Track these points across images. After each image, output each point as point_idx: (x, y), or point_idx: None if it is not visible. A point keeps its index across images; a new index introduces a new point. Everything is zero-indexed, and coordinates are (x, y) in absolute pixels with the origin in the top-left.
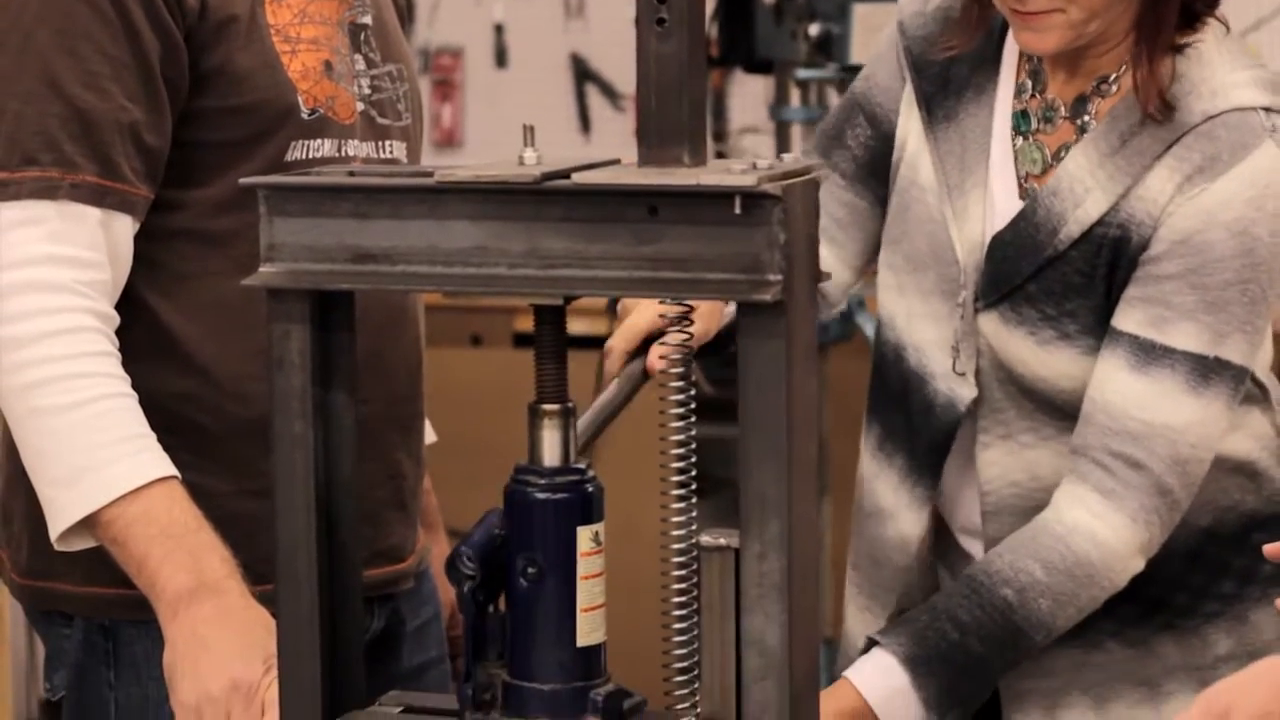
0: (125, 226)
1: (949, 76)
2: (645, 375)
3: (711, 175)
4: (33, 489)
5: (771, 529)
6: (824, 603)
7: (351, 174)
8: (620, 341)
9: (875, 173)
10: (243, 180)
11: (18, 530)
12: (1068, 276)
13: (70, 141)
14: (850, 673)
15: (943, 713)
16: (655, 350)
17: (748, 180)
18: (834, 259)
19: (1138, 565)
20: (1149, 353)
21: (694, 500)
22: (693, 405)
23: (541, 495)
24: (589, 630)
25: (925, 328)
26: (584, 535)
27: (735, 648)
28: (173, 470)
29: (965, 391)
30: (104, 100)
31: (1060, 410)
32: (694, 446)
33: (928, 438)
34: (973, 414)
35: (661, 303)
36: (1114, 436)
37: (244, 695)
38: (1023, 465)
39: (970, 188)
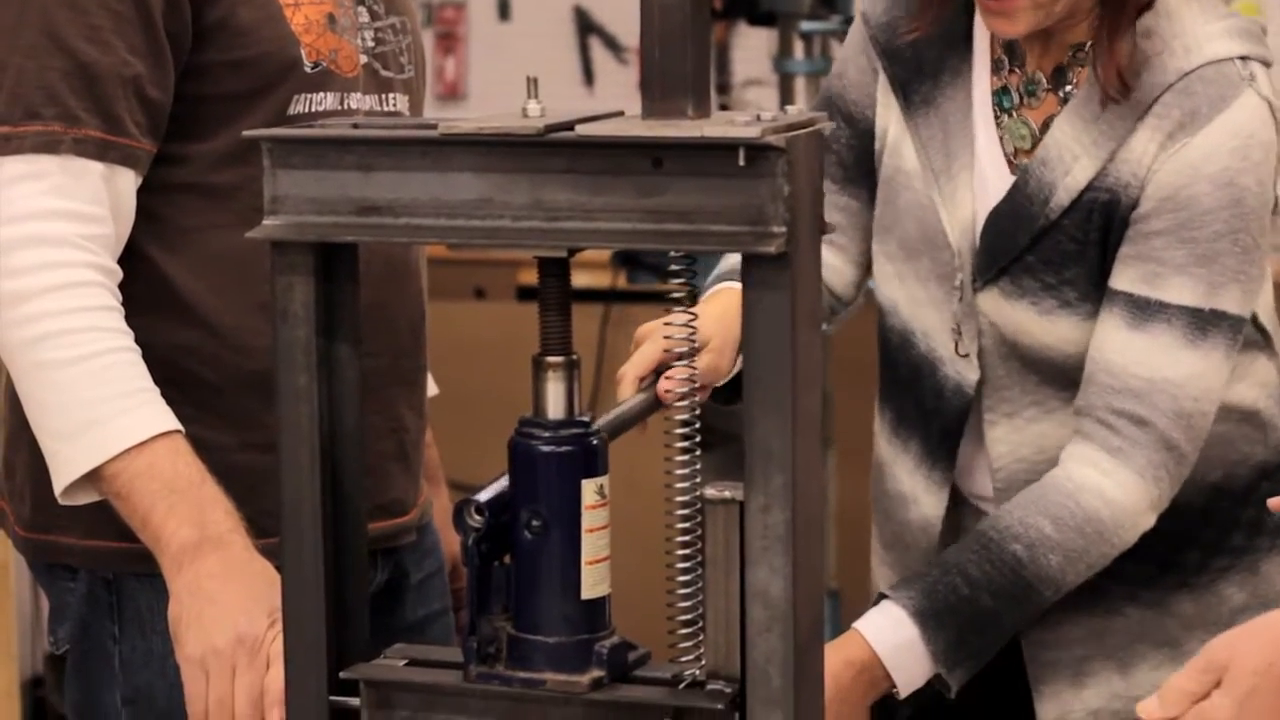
0: (128, 181)
1: (921, 60)
2: (658, 403)
3: (715, 127)
4: (35, 443)
5: (775, 482)
6: (828, 555)
7: (355, 126)
8: (632, 369)
9: (864, 171)
10: (246, 132)
11: (20, 484)
12: (1062, 245)
13: (73, 95)
14: (859, 624)
15: (951, 666)
16: (664, 381)
17: (752, 132)
18: (841, 262)
19: (1148, 521)
20: (1145, 309)
21: (698, 454)
22: (697, 358)
23: (546, 448)
24: (593, 583)
25: (928, 313)
26: (589, 488)
27: (740, 601)
28: (176, 424)
29: (970, 374)
30: (106, 54)
31: (1064, 380)
32: (698, 399)
33: (940, 423)
34: (979, 394)
35: (668, 324)
36: (1116, 395)
37: (249, 649)
38: (1029, 440)
39: (957, 171)
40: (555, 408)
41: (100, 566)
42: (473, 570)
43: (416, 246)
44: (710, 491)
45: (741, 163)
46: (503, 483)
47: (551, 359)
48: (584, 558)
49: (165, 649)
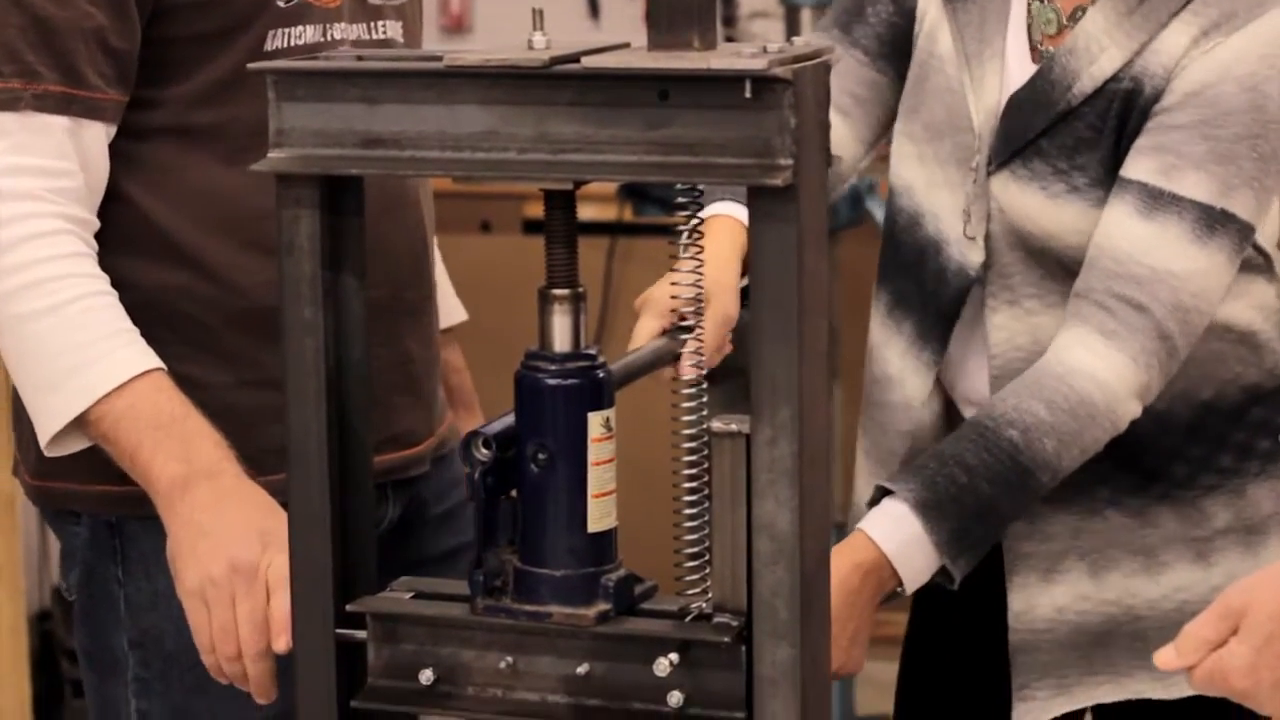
0: (96, 132)
1: None
2: (674, 358)
3: (722, 59)
4: None
5: (782, 414)
6: (834, 488)
7: (360, 58)
8: (646, 321)
9: (897, 49)
10: (250, 65)
11: (28, 432)
12: (1079, 131)
13: (31, 51)
14: (863, 525)
15: (954, 557)
16: (686, 358)
17: (758, 64)
18: (848, 135)
19: (1135, 409)
20: (1157, 200)
21: (704, 386)
22: (703, 290)
23: (552, 381)
24: (600, 516)
25: (942, 195)
26: (595, 421)
27: (746, 533)
28: (157, 362)
29: (975, 256)
30: (64, 8)
31: (1066, 270)
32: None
33: (937, 304)
34: (982, 280)
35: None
36: (1117, 280)
37: (245, 576)
38: (1028, 330)
39: (988, 57)
40: (561, 340)
41: (102, 511)
42: (479, 504)
43: (415, 178)
44: (717, 424)
45: (748, 95)
46: (509, 417)
47: (557, 292)
48: (590, 491)
49: (170, 590)
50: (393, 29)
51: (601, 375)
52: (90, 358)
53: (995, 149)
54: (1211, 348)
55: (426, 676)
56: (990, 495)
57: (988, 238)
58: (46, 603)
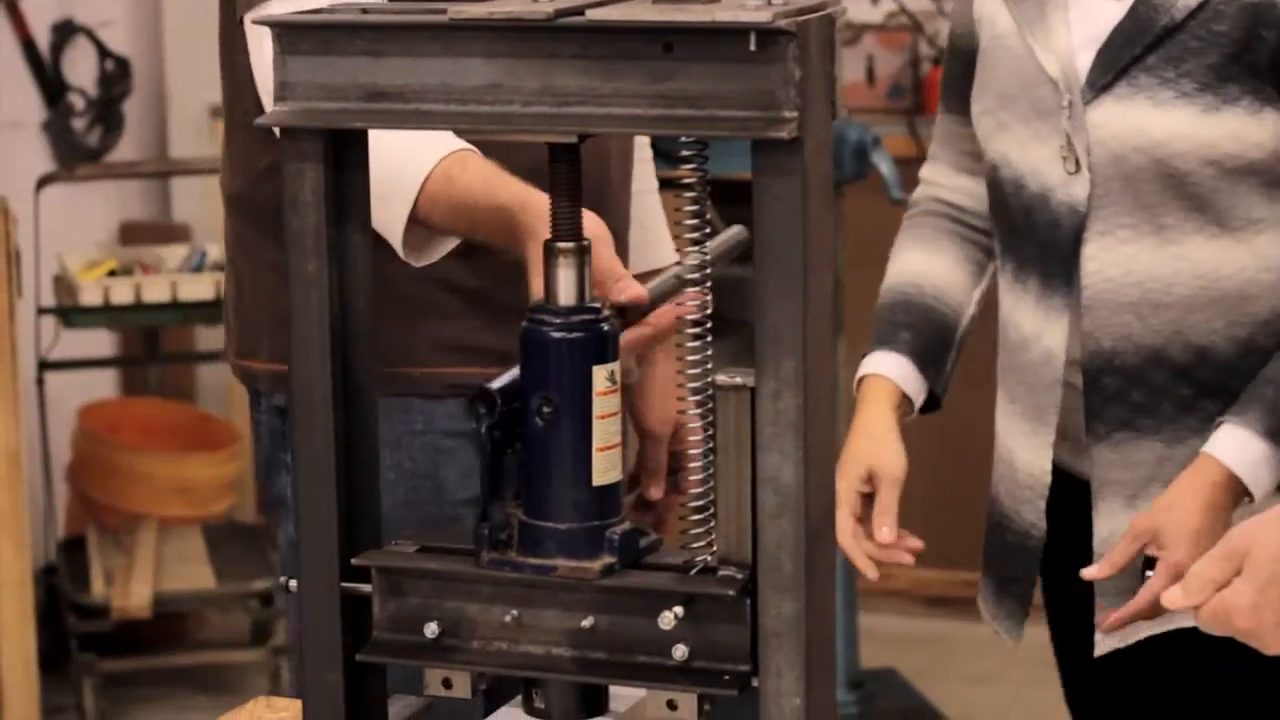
0: None
1: None
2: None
3: (726, 11)
4: (241, 274)
5: (787, 367)
6: (839, 441)
7: (364, 11)
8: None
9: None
10: (253, 18)
11: (232, 315)
12: (1185, 44)
13: None
14: (1208, 449)
15: None
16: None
17: (763, 16)
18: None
19: None
20: None
21: (709, 340)
22: (708, 244)
23: (556, 334)
24: (605, 469)
25: (1034, 149)
26: (599, 374)
27: (751, 487)
28: (460, 144)
29: (1080, 190)
30: None
31: (1163, 190)
32: (710, 286)
33: (1056, 251)
34: (1084, 213)
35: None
36: None
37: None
38: (1119, 261)
39: (1049, 11)
40: (566, 294)
41: (276, 390)
42: (484, 458)
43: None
44: (721, 378)
45: (752, 47)
46: (515, 371)
47: (562, 245)
48: (595, 444)
49: None
50: None
51: (606, 329)
52: (401, 160)
53: (1091, 79)
54: None
55: (431, 630)
56: None
57: (1089, 170)
58: (52, 557)
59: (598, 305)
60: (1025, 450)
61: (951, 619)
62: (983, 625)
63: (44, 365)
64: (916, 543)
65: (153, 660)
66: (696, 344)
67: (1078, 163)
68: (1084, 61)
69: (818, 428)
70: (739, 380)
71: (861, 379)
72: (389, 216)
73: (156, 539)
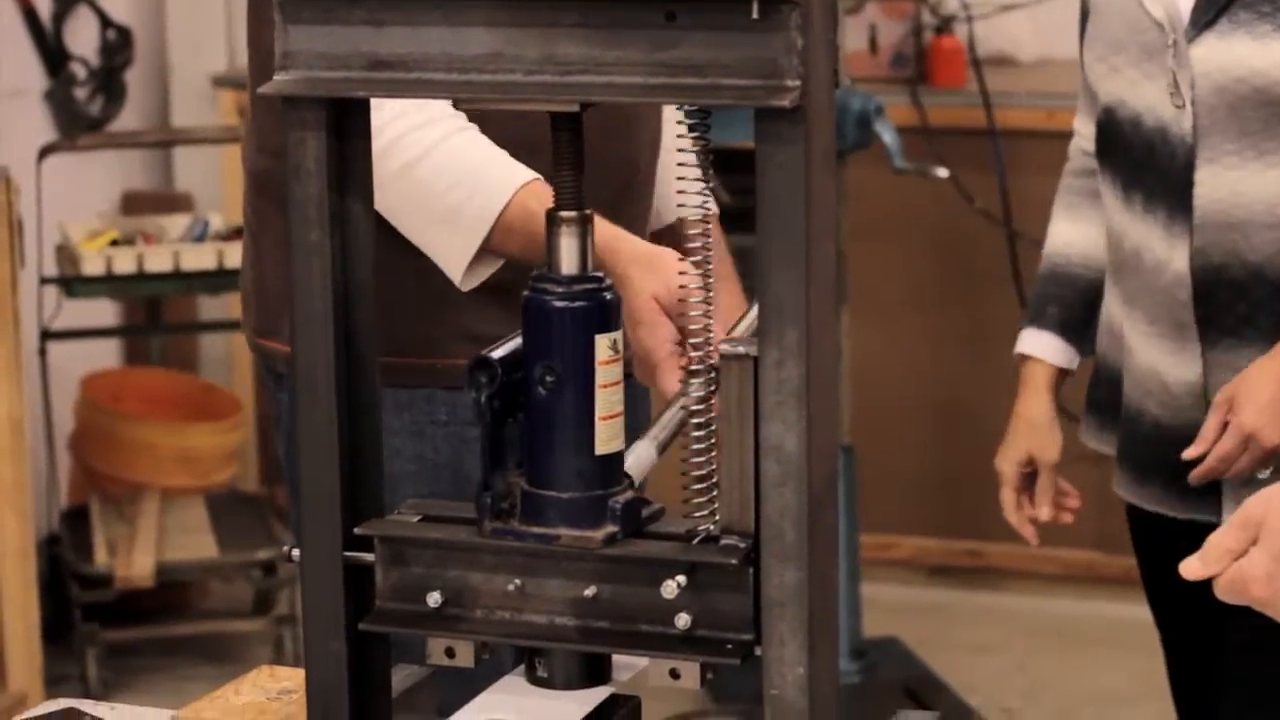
0: None
1: None
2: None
3: None
4: (259, 253)
5: (789, 336)
6: (842, 410)
7: None
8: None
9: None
10: None
11: (251, 294)
12: None
13: None
14: None
15: None
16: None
17: None
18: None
19: None
20: None
21: (711, 308)
22: (710, 215)
23: (559, 303)
24: (607, 439)
25: (1146, 89)
26: (602, 343)
27: (754, 456)
28: (531, 175)
29: (1187, 122)
30: None
31: (1265, 115)
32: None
33: (1176, 178)
34: (1191, 144)
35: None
36: None
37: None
38: (1225, 184)
39: None
40: (569, 263)
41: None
42: (484, 427)
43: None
44: (725, 347)
45: (755, 15)
46: (517, 340)
47: (565, 214)
48: (597, 413)
49: None
50: None
51: (609, 298)
52: (474, 187)
53: (1193, 18)
54: None
55: (434, 599)
56: None
57: (1194, 104)
58: (55, 526)
59: (599, 274)
60: (1174, 367)
61: (954, 588)
62: (985, 594)
63: (46, 335)
64: (1075, 502)
65: (155, 630)
66: (698, 313)
67: (1182, 96)
68: (1186, 4)
69: (820, 397)
70: (742, 349)
71: (1020, 357)
72: (451, 242)
73: (159, 509)
